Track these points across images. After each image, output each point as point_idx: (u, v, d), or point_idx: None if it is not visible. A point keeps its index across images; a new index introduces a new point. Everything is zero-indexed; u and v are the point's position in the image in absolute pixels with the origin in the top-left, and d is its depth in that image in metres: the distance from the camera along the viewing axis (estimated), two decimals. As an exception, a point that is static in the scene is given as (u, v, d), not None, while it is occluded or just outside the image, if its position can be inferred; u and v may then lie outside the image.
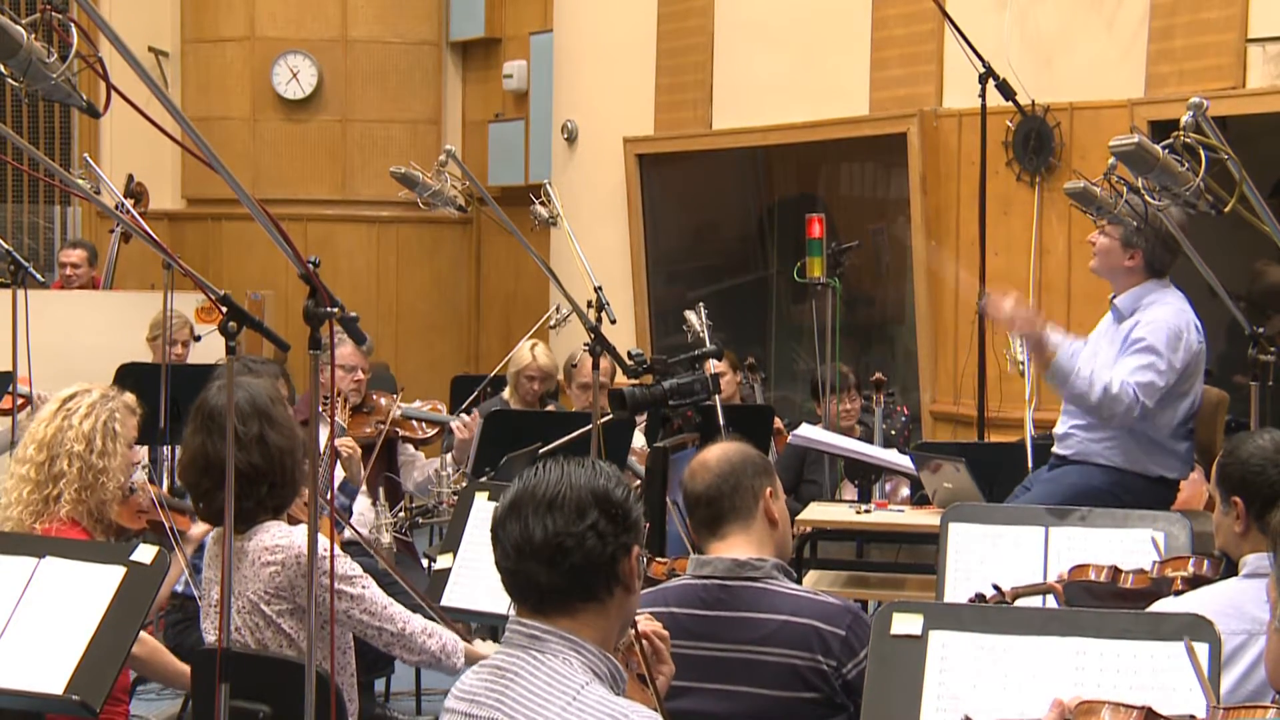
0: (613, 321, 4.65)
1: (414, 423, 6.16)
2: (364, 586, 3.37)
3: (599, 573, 2.25)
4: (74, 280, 8.29)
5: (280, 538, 3.32)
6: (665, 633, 2.57)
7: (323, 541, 3.30)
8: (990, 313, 4.88)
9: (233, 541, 3.37)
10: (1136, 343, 4.52)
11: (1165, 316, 4.53)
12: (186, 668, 3.76)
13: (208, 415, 3.39)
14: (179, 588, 4.33)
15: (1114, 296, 4.73)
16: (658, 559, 3.65)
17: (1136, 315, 4.59)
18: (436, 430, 6.21)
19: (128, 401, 3.86)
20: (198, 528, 4.08)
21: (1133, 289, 4.65)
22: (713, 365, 5.09)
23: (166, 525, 4.01)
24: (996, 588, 3.37)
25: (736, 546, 3.11)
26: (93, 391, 3.81)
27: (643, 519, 2.33)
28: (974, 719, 2.28)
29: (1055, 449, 4.80)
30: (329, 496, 4.15)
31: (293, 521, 3.44)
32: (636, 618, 2.45)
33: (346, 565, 3.38)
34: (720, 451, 3.20)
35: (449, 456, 5.87)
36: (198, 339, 7.01)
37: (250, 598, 3.31)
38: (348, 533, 4.63)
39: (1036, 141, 6.85)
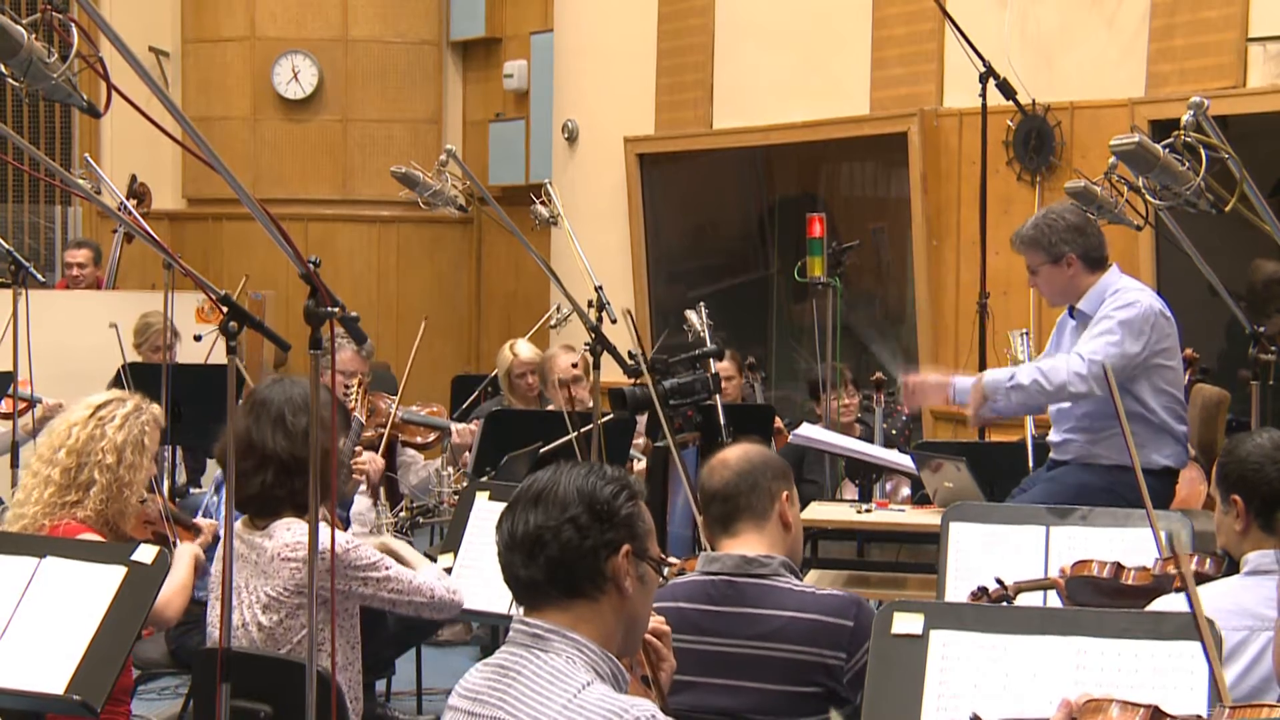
0: (613, 321, 4.65)
1: (414, 427, 6.17)
2: (387, 568, 3.45)
3: (578, 567, 2.26)
4: (80, 280, 8.27)
5: (301, 535, 3.34)
6: (665, 628, 2.58)
7: (345, 538, 3.39)
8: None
9: (251, 536, 3.42)
10: (1099, 322, 4.54)
11: (1126, 299, 4.55)
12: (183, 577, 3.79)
13: (258, 403, 3.48)
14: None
15: (1073, 306, 4.73)
16: (670, 561, 3.67)
17: (1101, 309, 4.60)
18: (436, 435, 6.22)
19: (156, 414, 3.85)
20: (201, 540, 4.09)
21: (1090, 291, 4.65)
22: (715, 367, 5.10)
23: (170, 539, 4.01)
24: (999, 581, 3.38)
25: (748, 544, 3.14)
26: (126, 402, 3.80)
27: (641, 520, 2.33)
28: (982, 718, 2.28)
29: (1053, 455, 4.80)
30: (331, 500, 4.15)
31: None
32: None
33: (366, 552, 3.44)
34: (741, 451, 3.24)
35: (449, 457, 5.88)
36: (197, 339, 7.01)
37: (268, 593, 3.34)
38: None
39: (1037, 141, 6.85)
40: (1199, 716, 2.07)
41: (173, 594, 3.64)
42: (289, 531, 3.37)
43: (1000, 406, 4.80)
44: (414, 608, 3.51)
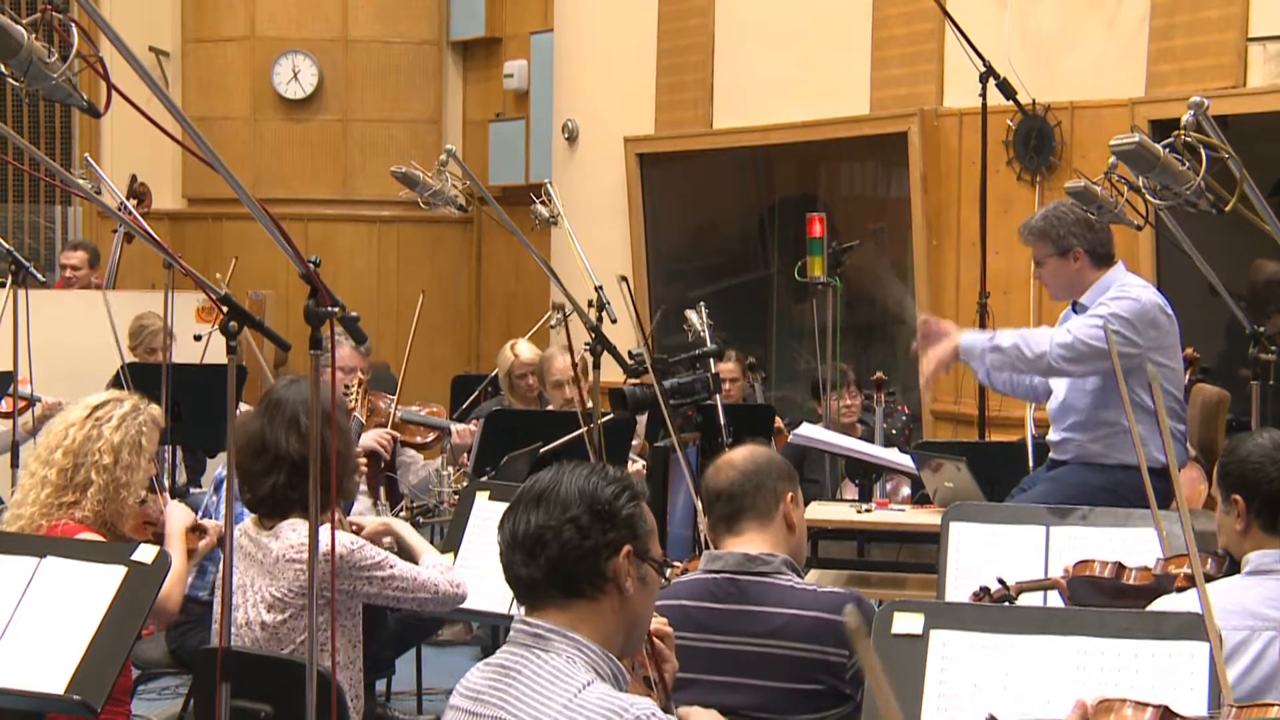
0: (613, 321, 4.65)
1: (413, 426, 6.17)
2: (391, 566, 3.45)
3: (579, 567, 2.27)
4: (74, 282, 8.27)
5: (305, 537, 3.33)
6: (668, 629, 2.58)
7: (348, 538, 3.38)
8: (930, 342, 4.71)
9: (258, 535, 3.42)
10: (1096, 307, 4.53)
11: (1128, 294, 4.54)
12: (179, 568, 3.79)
13: (273, 404, 3.48)
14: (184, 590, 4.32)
15: (1076, 300, 4.72)
16: (675, 562, 3.67)
17: (1101, 299, 4.60)
18: (435, 435, 6.22)
19: (155, 415, 3.84)
20: (204, 543, 4.09)
21: (1093, 286, 4.64)
22: (719, 368, 5.08)
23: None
24: (1001, 581, 3.38)
25: (751, 543, 3.16)
26: (124, 402, 3.79)
27: (642, 521, 2.33)
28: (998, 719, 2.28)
29: (1053, 455, 4.79)
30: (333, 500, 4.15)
31: None
32: None
33: (371, 552, 3.43)
34: (747, 452, 3.27)
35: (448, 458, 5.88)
36: (198, 338, 7.01)
37: (273, 594, 3.34)
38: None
39: (1037, 141, 6.85)
40: (1210, 717, 2.07)
41: (171, 586, 3.62)
42: (295, 533, 3.37)
43: (981, 373, 4.77)
44: (418, 604, 3.52)
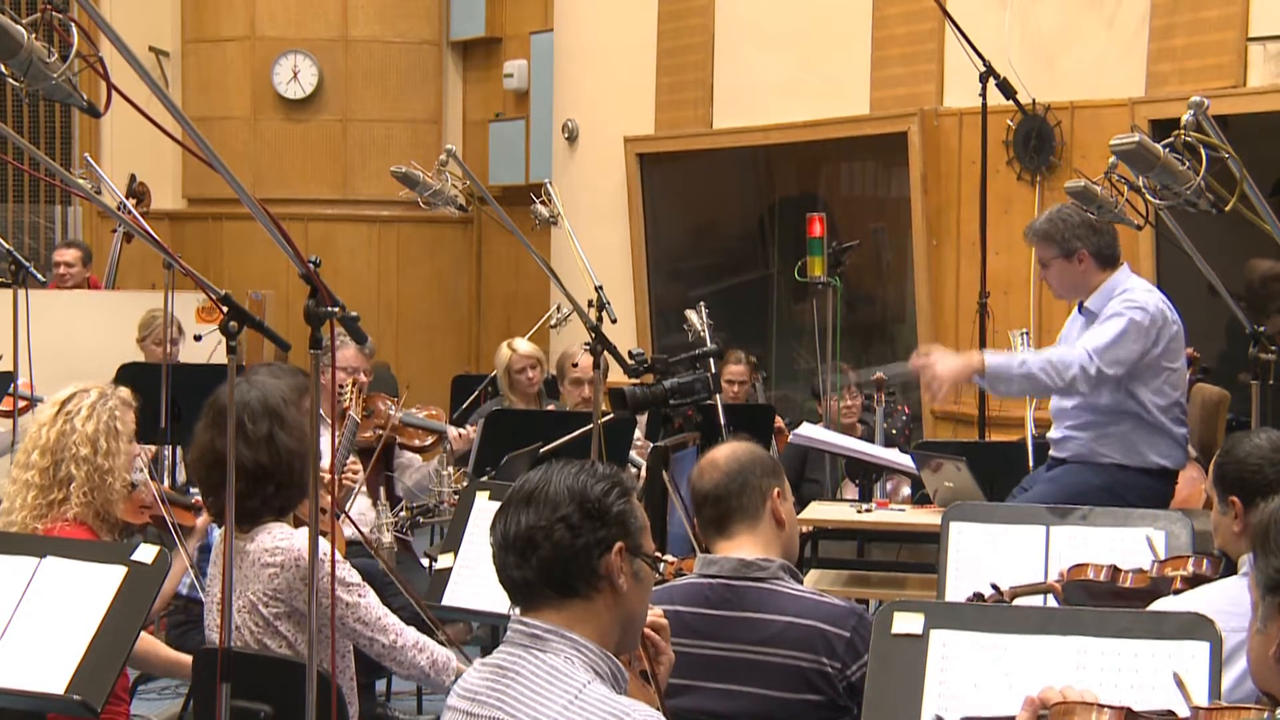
0: (613, 321, 4.65)
1: (412, 429, 6.17)
2: (360, 595, 3.35)
3: (571, 566, 2.26)
4: (67, 280, 8.26)
5: (280, 540, 3.31)
6: (663, 621, 2.58)
7: (323, 545, 3.31)
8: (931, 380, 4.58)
9: (236, 541, 3.38)
10: (1109, 319, 4.53)
11: (1136, 298, 4.54)
12: (184, 658, 3.76)
13: (218, 412, 3.38)
14: (183, 589, 4.32)
15: (1083, 303, 4.71)
16: (666, 558, 3.65)
17: (1110, 306, 4.59)
18: (434, 438, 6.22)
19: (124, 396, 3.83)
20: (201, 520, 4.08)
21: (1099, 289, 4.64)
22: (729, 370, 5.04)
23: (169, 520, 4.01)
24: (995, 587, 3.37)
25: (743, 546, 3.11)
26: (90, 392, 3.78)
27: (633, 518, 2.33)
28: (945, 718, 2.29)
29: (1053, 453, 4.79)
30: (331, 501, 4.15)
31: (298, 523, 3.42)
32: None
33: (345, 571, 3.35)
34: (729, 451, 3.21)
35: (445, 457, 5.88)
36: (198, 339, 7.01)
37: (250, 598, 3.31)
38: (350, 531, 4.64)
39: (1037, 140, 6.85)
40: (1170, 712, 2.06)
41: None
42: (269, 535, 3.33)
43: (1001, 390, 4.77)
44: (375, 648, 3.36)
